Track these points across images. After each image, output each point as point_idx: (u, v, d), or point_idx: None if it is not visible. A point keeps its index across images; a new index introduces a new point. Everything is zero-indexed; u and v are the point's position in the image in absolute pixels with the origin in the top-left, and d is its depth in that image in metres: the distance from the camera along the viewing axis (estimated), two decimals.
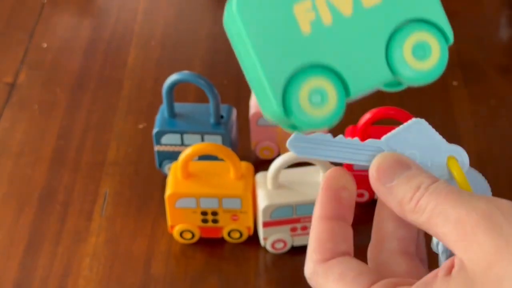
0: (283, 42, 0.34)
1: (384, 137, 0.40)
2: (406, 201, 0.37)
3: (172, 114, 0.82)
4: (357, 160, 0.39)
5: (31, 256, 0.78)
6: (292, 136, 0.38)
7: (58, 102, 0.94)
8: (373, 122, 0.78)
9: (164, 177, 0.83)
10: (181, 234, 0.78)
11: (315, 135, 0.38)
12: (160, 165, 0.84)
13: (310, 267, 0.39)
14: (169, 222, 0.77)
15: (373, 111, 0.78)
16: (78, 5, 1.09)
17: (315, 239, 0.39)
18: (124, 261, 0.77)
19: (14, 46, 1.02)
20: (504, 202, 0.36)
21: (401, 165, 0.38)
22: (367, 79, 0.35)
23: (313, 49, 0.34)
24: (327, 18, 0.34)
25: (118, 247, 0.78)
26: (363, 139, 0.39)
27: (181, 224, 0.77)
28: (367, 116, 0.78)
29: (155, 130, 0.81)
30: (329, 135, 0.39)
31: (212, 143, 0.78)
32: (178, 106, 0.83)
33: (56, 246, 0.79)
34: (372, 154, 0.39)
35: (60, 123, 0.92)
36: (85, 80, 0.97)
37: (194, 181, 0.76)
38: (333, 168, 0.40)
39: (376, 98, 0.94)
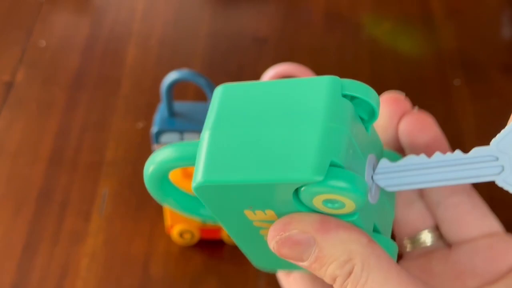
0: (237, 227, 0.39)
1: (492, 141, 0.36)
2: (327, 282, 0.35)
3: (172, 113, 0.82)
4: (464, 178, 0.34)
5: (29, 257, 0.77)
6: (378, 166, 0.36)
7: (56, 101, 0.94)
8: None
9: None
10: (181, 235, 0.77)
11: (405, 159, 0.36)
12: None
13: (280, 279, 0.41)
14: (168, 222, 0.77)
15: None
16: (76, 3, 1.09)
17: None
18: (122, 262, 0.77)
19: (11, 45, 1.02)
20: None
21: (301, 244, 0.34)
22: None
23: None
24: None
25: (117, 248, 0.78)
26: None
27: (180, 224, 0.77)
28: None
29: (154, 129, 0.81)
30: (423, 156, 0.36)
31: None
32: (178, 105, 0.83)
33: (54, 247, 0.78)
34: (484, 166, 0.34)
35: (58, 122, 0.91)
36: (84, 79, 0.97)
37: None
38: None
39: None
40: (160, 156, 0.40)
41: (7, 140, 0.89)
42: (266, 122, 0.35)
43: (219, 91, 0.39)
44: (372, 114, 0.38)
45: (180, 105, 0.83)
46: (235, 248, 0.79)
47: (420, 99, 0.93)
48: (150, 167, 0.40)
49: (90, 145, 0.88)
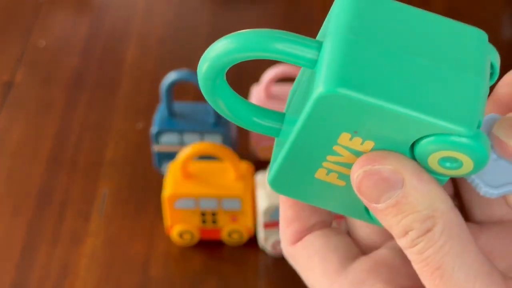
0: (325, 195, 0.35)
1: None
2: (394, 235, 0.33)
3: (171, 113, 0.82)
4: None
5: (29, 257, 0.77)
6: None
7: (56, 101, 0.94)
8: None
9: (162, 177, 0.82)
10: (180, 235, 0.77)
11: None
12: (159, 164, 0.83)
13: (284, 251, 0.37)
14: (168, 222, 0.77)
15: None
16: (75, 3, 1.09)
17: (282, 220, 0.37)
18: (122, 263, 0.77)
19: (11, 45, 1.02)
20: None
21: (388, 183, 0.32)
22: None
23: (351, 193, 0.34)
24: (346, 171, 0.33)
25: (116, 248, 0.78)
26: None
27: (179, 225, 0.77)
28: None
29: (154, 130, 0.81)
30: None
31: (212, 143, 0.77)
32: (177, 105, 0.83)
33: (53, 247, 0.78)
34: None
35: (57, 123, 0.91)
36: (83, 79, 0.97)
37: (193, 182, 0.75)
38: None
39: None
40: (215, 51, 0.34)
41: (7, 140, 0.89)
42: (414, 51, 0.32)
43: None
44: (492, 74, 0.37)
45: (180, 105, 0.83)
46: (235, 249, 0.78)
47: None
48: (204, 65, 0.33)
49: (90, 145, 0.88)
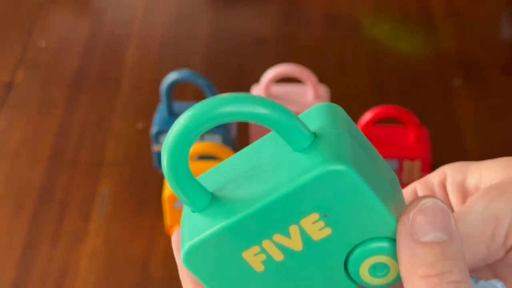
0: (238, 282, 0.35)
1: None
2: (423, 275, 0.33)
3: (172, 113, 0.82)
4: None
5: (29, 257, 0.77)
6: None
7: (56, 102, 0.94)
8: (374, 121, 0.78)
9: (162, 177, 0.82)
10: None
11: None
12: (159, 164, 0.83)
13: None
14: (168, 222, 0.77)
15: (374, 111, 0.78)
16: (76, 3, 1.09)
17: None
18: (122, 262, 0.77)
19: (11, 45, 1.02)
20: None
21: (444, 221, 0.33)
22: None
23: (268, 282, 0.34)
24: (278, 256, 0.34)
25: (116, 248, 0.78)
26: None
27: (180, 225, 0.77)
28: (368, 116, 0.78)
29: (154, 130, 0.81)
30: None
31: (212, 143, 0.77)
32: (177, 105, 0.83)
33: (54, 247, 0.78)
34: None
35: (58, 123, 0.91)
36: (83, 80, 0.97)
37: None
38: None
39: (377, 97, 0.94)
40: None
41: (7, 140, 0.89)
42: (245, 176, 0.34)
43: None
44: None
45: (180, 105, 0.83)
46: None
47: (420, 99, 0.93)
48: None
49: (90, 145, 0.88)
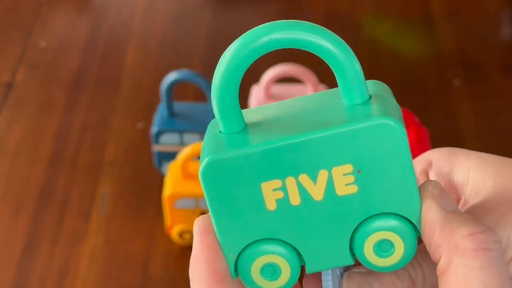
0: (244, 215, 0.34)
1: None
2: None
3: (171, 113, 0.82)
4: None
5: (29, 257, 0.77)
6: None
7: (56, 102, 0.94)
8: None
9: (162, 177, 0.82)
10: (180, 235, 0.77)
11: None
12: (159, 164, 0.83)
13: None
14: (168, 222, 0.77)
15: None
16: (76, 3, 1.09)
17: (208, 274, 0.37)
18: (122, 262, 0.77)
19: (11, 45, 1.02)
20: None
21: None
22: (326, 261, 0.34)
23: (274, 225, 0.34)
24: (295, 200, 0.33)
25: (117, 248, 0.78)
26: None
27: (180, 225, 0.77)
28: None
29: (154, 130, 0.81)
30: None
31: None
32: (177, 105, 0.83)
33: (54, 247, 0.78)
34: None
35: (58, 123, 0.91)
36: (83, 79, 0.97)
37: (193, 182, 0.75)
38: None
39: None
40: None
41: (7, 140, 0.89)
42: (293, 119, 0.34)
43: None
44: None
45: (180, 105, 0.83)
46: None
47: (420, 99, 0.93)
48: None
49: (90, 145, 0.88)
